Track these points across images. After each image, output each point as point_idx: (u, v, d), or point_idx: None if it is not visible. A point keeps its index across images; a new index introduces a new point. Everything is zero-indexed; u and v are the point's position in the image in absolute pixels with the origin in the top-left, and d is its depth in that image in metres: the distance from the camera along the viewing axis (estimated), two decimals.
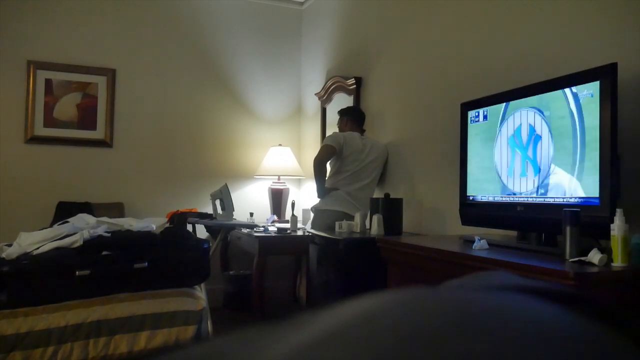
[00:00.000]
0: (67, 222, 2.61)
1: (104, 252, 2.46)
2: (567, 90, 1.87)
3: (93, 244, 2.46)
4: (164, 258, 2.59)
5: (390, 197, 3.02)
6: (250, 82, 4.93)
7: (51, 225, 2.83)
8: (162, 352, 0.26)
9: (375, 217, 2.89)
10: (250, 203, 4.76)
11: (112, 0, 4.46)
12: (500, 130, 2.22)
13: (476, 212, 2.35)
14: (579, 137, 1.82)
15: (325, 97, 4.45)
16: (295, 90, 5.14)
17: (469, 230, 2.42)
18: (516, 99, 2.13)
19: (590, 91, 1.77)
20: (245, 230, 3.89)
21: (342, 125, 3.65)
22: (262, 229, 3.83)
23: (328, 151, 3.39)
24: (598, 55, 1.95)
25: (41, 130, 4.25)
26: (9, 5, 4.15)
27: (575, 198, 1.81)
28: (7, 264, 2.27)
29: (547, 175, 1.95)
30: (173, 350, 0.27)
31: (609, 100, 1.68)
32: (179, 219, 3.96)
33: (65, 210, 3.74)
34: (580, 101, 1.81)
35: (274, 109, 5.04)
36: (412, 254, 2.19)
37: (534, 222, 2.01)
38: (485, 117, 2.32)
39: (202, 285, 2.85)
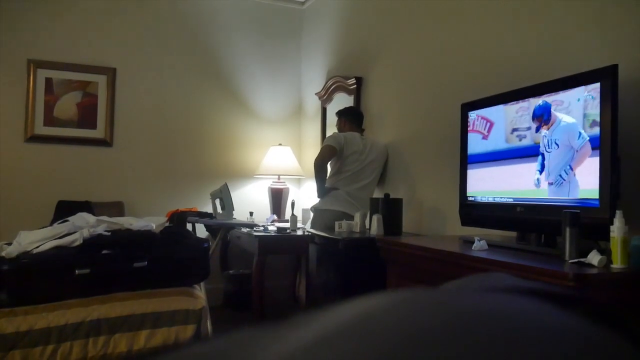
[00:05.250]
0: (67, 220, 2.61)
1: (104, 251, 2.46)
2: (567, 91, 1.87)
3: (93, 243, 2.46)
4: (164, 257, 2.59)
5: (390, 197, 3.02)
6: (251, 81, 4.93)
7: (51, 224, 2.83)
8: (162, 352, 0.26)
9: (375, 217, 2.89)
10: (250, 202, 4.75)
11: (113, 0, 4.47)
12: (501, 131, 2.22)
13: (476, 213, 2.35)
14: (579, 137, 1.82)
15: (325, 96, 4.45)
16: (295, 89, 5.14)
17: (469, 231, 2.42)
18: (516, 100, 2.13)
19: (590, 92, 1.77)
20: (245, 230, 3.89)
21: (340, 126, 3.65)
22: (262, 228, 3.83)
23: (329, 151, 3.39)
24: (598, 56, 1.95)
25: (41, 129, 4.25)
26: (9, 4, 4.15)
27: (575, 199, 1.81)
28: (7, 263, 2.27)
29: (547, 176, 1.95)
30: (173, 350, 0.27)
31: (610, 102, 1.68)
32: (178, 218, 3.96)
33: (65, 209, 3.74)
34: (581, 102, 1.81)
35: (274, 108, 5.04)
36: (412, 254, 2.19)
37: (534, 223, 2.01)
38: (485, 118, 2.33)
39: (202, 284, 2.85)
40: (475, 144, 2.37)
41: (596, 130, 1.73)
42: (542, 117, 2.00)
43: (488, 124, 2.28)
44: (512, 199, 2.13)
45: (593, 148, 1.74)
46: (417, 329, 0.23)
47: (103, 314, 2.27)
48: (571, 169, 1.85)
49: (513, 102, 2.14)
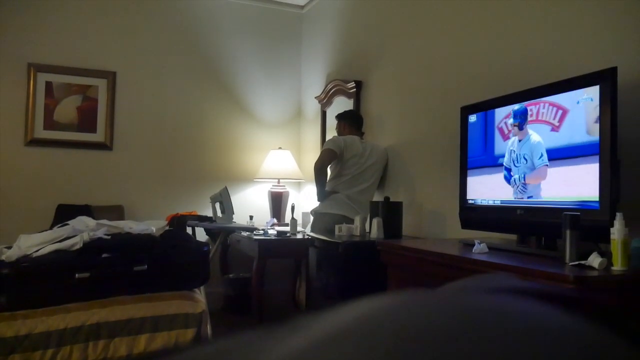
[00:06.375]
0: (67, 224, 2.61)
1: (104, 255, 2.46)
2: (567, 93, 1.87)
3: (93, 247, 2.46)
4: (164, 261, 2.59)
5: (390, 200, 3.02)
6: (251, 85, 4.94)
7: (51, 228, 2.83)
8: (162, 354, 0.26)
9: (375, 221, 2.89)
10: (250, 206, 4.75)
11: (113, 4, 4.47)
12: (500, 133, 2.22)
13: (476, 216, 2.35)
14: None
15: (325, 100, 4.45)
16: (295, 93, 5.14)
17: (469, 234, 2.42)
18: (516, 102, 2.13)
19: (590, 95, 1.77)
20: (244, 233, 3.88)
21: (340, 130, 3.66)
22: (262, 232, 3.83)
23: (329, 155, 3.39)
24: (598, 59, 1.96)
25: (41, 133, 4.25)
26: (9, 8, 4.15)
27: (575, 202, 1.81)
28: (7, 267, 2.27)
29: (547, 179, 1.95)
30: (173, 352, 0.27)
31: (609, 105, 1.69)
32: (178, 222, 3.95)
33: (64, 213, 3.74)
34: (580, 105, 1.81)
35: (274, 112, 5.04)
36: (412, 257, 2.19)
37: (534, 225, 2.01)
38: (484, 120, 2.33)
39: (202, 288, 2.85)
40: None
41: (596, 133, 1.73)
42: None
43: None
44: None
45: (592, 154, 1.74)
46: (418, 329, 0.23)
47: (103, 317, 2.26)
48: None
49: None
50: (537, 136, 2.00)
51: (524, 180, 2.06)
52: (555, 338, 0.23)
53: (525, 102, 2.08)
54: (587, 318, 0.26)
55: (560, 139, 1.90)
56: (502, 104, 2.21)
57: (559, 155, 1.90)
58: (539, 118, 2.00)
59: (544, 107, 1.98)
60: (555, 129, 1.93)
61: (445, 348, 0.21)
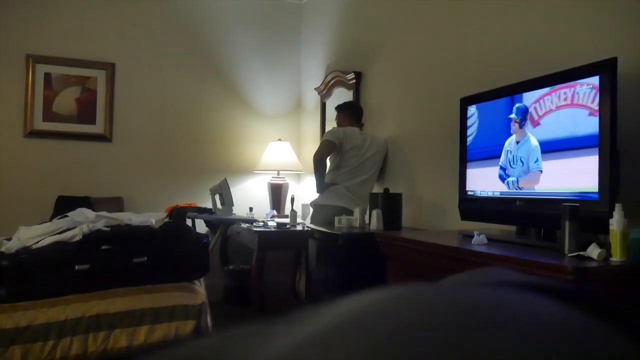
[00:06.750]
0: (67, 216, 2.61)
1: (103, 247, 2.47)
2: (567, 84, 1.87)
3: (92, 238, 2.46)
4: (164, 252, 2.60)
5: (390, 192, 3.02)
6: (250, 76, 4.93)
7: (50, 220, 2.83)
8: (161, 347, 0.26)
9: (374, 212, 2.89)
10: (250, 198, 4.76)
11: None
12: (500, 125, 2.22)
13: (475, 207, 2.36)
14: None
15: (325, 91, 4.44)
16: (294, 85, 5.13)
17: (468, 225, 2.42)
18: (515, 93, 2.12)
19: (589, 86, 1.77)
20: (244, 225, 3.89)
21: (340, 121, 3.65)
22: (262, 223, 3.84)
23: (328, 146, 3.38)
24: (598, 49, 1.95)
25: (40, 125, 4.24)
26: None
27: (575, 193, 1.81)
28: (7, 258, 2.28)
29: (546, 170, 1.95)
30: (172, 346, 0.27)
31: (609, 95, 1.68)
32: (178, 214, 3.96)
33: (64, 205, 3.74)
34: (580, 95, 1.81)
35: (274, 103, 5.03)
36: (412, 248, 2.19)
37: (533, 217, 2.01)
38: (484, 111, 2.32)
39: (202, 279, 2.85)
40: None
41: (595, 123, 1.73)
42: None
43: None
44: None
45: (591, 146, 1.74)
46: (419, 324, 0.23)
47: (103, 309, 2.27)
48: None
49: None
50: (535, 140, 2.00)
51: (517, 183, 2.08)
52: (554, 331, 0.23)
53: (527, 93, 2.07)
54: (585, 310, 0.26)
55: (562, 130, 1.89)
56: (501, 95, 2.20)
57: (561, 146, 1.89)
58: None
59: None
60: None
61: (443, 342, 0.21)
